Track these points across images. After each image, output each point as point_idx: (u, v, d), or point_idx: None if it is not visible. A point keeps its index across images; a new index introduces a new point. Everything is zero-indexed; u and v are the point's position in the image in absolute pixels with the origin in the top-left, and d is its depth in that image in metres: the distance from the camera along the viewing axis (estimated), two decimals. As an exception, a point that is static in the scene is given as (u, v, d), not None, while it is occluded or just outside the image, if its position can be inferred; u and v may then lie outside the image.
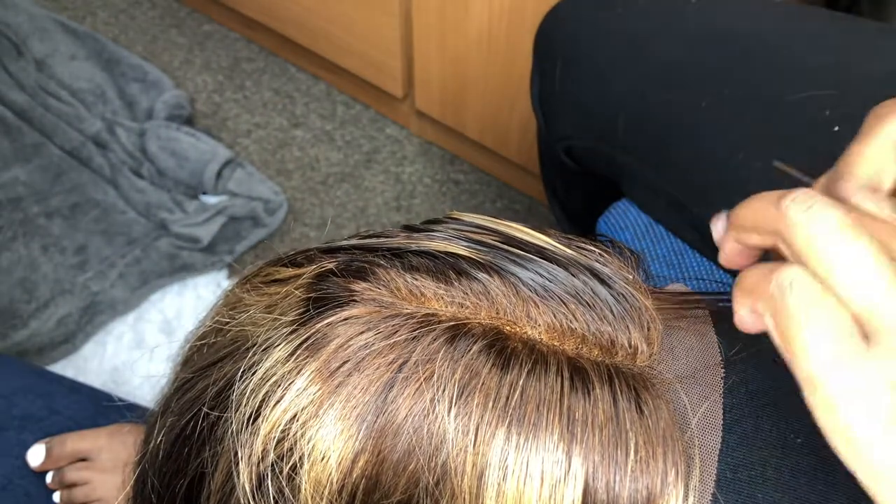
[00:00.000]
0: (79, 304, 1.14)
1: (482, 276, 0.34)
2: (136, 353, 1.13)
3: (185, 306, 1.17)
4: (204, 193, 1.27)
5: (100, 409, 0.75)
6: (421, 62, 1.16)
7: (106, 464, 0.72)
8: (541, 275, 0.34)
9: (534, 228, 0.37)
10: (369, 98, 1.37)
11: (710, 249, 0.67)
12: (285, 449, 0.31)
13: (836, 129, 0.56)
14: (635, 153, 0.66)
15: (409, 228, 0.38)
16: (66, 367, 1.11)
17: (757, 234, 0.30)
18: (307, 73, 1.42)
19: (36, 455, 0.70)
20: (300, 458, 0.31)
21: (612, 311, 0.34)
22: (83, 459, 0.72)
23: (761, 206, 0.29)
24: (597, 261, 0.36)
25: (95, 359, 1.13)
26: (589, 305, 0.34)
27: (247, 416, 0.32)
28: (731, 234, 0.32)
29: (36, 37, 1.38)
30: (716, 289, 0.66)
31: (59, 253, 1.18)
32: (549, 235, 0.37)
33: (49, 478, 0.71)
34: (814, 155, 0.57)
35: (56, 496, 0.72)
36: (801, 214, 0.27)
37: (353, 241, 0.37)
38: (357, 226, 1.28)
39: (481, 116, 1.17)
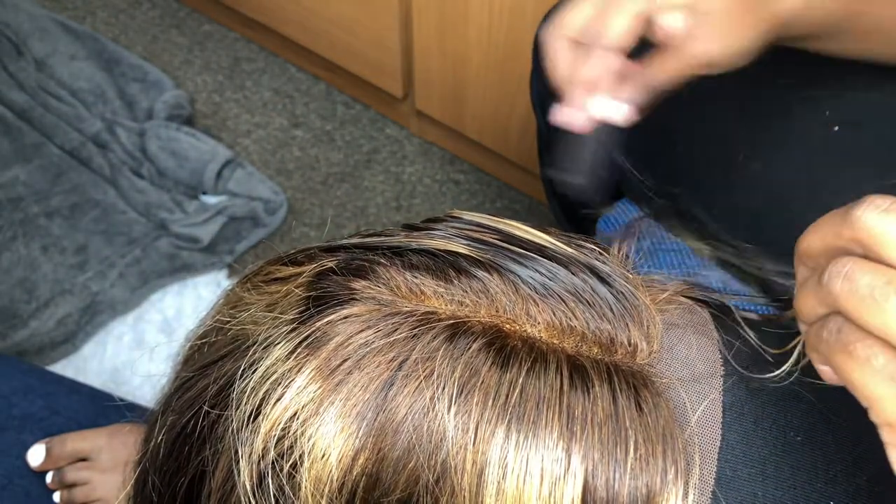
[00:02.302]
0: (79, 304, 1.14)
1: (482, 274, 0.34)
2: (136, 353, 1.13)
3: (185, 306, 1.17)
4: (204, 193, 1.27)
5: (100, 409, 0.75)
6: (421, 62, 1.16)
7: (106, 464, 0.72)
8: (541, 273, 0.34)
9: (534, 227, 0.37)
10: (369, 98, 1.37)
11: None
12: (286, 447, 0.31)
13: (836, 128, 0.56)
14: (635, 153, 0.65)
15: (410, 227, 0.38)
16: (66, 367, 1.11)
17: (825, 259, 0.29)
18: (307, 73, 1.42)
19: (36, 455, 0.70)
20: (300, 455, 0.31)
21: (611, 310, 0.34)
22: (83, 459, 0.72)
23: (829, 227, 0.29)
24: (596, 259, 0.36)
25: (95, 359, 1.13)
26: (589, 303, 0.34)
27: (247, 414, 0.32)
28: (800, 267, 0.31)
29: (36, 37, 1.38)
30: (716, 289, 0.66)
31: (59, 253, 1.18)
32: (548, 234, 0.37)
33: (49, 478, 0.71)
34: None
35: (56, 496, 0.72)
36: (879, 217, 0.27)
37: (354, 240, 0.37)
38: (357, 225, 1.28)
39: (481, 116, 1.17)
